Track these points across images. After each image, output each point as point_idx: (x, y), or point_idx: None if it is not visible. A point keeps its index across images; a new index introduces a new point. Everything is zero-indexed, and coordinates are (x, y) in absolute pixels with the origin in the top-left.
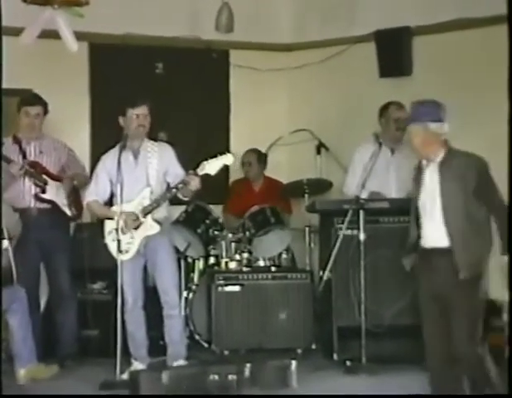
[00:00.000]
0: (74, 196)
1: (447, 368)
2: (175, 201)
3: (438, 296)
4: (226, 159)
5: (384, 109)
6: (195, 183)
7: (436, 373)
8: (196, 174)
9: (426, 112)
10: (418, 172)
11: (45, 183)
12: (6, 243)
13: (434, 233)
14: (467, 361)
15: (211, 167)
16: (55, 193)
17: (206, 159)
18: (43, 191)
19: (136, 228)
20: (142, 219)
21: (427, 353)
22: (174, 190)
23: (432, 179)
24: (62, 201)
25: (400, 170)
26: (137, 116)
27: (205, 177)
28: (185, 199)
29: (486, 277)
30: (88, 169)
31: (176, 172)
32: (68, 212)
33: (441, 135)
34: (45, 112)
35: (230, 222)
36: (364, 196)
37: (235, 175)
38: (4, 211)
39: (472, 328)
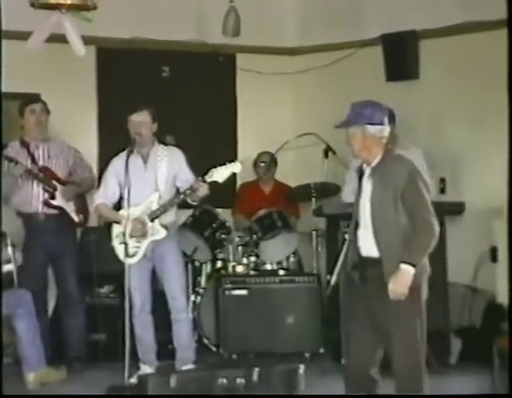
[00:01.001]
0: (81, 202)
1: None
2: (182, 205)
3: (369, 308)
4: (234, 167)
5: None
6: (203, 190)
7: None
8: (204, 181)
9: (364, 114)
10: (360, 176)
11: (55, 189)
12: (9, 250)
13: (366, 242)
14: (405, 380)
15: (219, 174)
16: (64, 199)
17: (215, 166)
18: (52, 197)
19: (142, 236)
20: (149, 224)
21: (348, 367)
22: (181, 196)
23: (366, 185)
24: (70, 207)
25: None
26: (132, 123)
27: (213, 182)
28: (194, 203)
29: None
30: (95, 172)
31: (185, 176)
32: (75, 218)
33: (382, 139)
34: (47, 111)
35: (240, 223)
36: None
37: (242, 179)
38: (7, 217)
39: (407, 342)
